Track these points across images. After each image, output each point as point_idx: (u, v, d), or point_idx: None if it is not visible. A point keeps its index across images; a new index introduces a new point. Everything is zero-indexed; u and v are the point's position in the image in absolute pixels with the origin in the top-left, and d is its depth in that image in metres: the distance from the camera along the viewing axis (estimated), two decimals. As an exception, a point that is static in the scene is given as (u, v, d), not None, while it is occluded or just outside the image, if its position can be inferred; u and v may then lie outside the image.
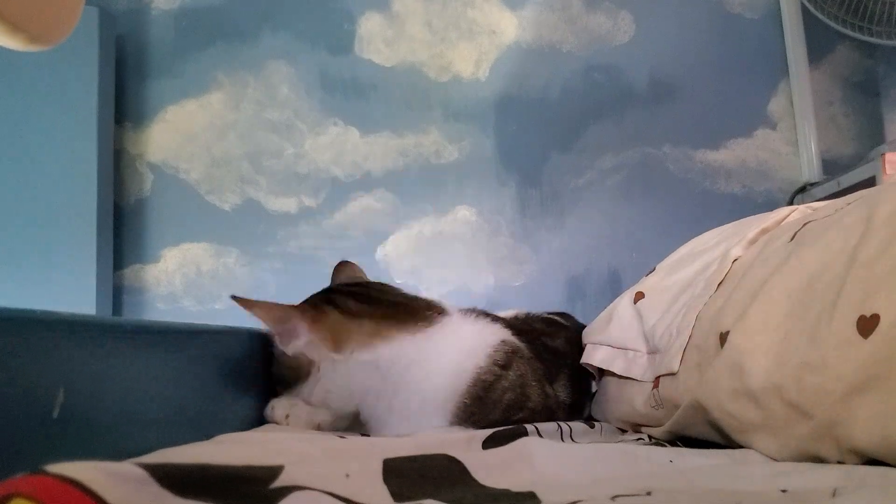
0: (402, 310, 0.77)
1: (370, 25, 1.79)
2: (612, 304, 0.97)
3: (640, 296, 0.92)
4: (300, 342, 0.73)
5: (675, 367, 0.75)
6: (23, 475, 0.28)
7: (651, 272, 0.97)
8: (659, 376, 0.78)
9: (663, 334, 0.82)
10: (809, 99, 1.71)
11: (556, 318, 1.06)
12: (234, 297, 0.67)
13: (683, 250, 0.97)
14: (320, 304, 0.76)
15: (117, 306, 1.70)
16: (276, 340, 0.73)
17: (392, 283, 0.86)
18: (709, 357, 0.70)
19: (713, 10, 1.78)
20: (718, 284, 0.79)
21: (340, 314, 0.75)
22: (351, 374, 0.73)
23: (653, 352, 0.84)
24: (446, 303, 0.83)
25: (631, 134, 1.76)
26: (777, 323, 0.60)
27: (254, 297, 1.80)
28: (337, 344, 0.73)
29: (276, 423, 0.74)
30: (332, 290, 0.81)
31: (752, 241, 0.81)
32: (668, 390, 0.75)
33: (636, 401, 0.82)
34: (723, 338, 0.67)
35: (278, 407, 0.75)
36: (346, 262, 0.95)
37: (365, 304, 0.77)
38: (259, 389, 0.76)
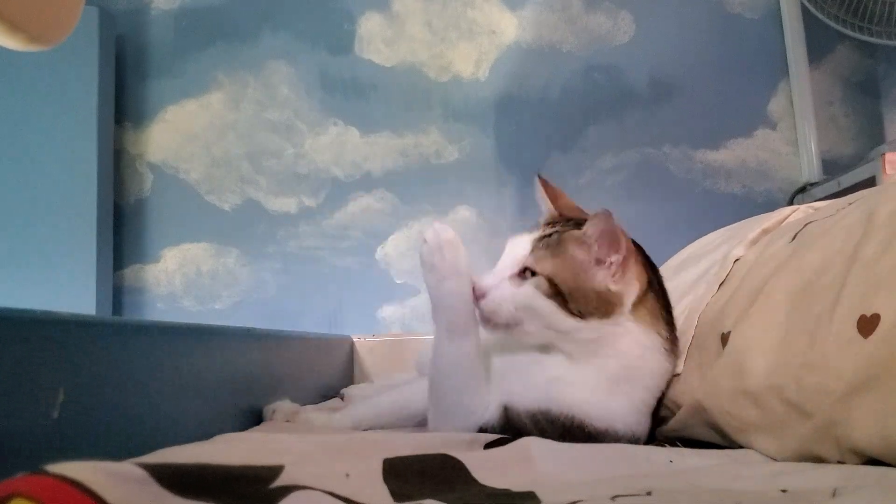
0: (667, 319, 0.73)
1: (370, 25, 1.79)
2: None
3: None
4: (612, 277, 0.67)
5: (680, 368, 0.75)
6: (23, 475, 0.28)
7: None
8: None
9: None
10: (809, 99, 1.71)
11: None
12: (604, 214, 0.65)
13: (686, 252, 0.97)
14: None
15: (117, 306, 1.70)
16: (612, 272, 0.67)
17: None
18: (710, 358, 0.70)
19: (713, 10, 1.78)
20: (720, 285, 0.79)
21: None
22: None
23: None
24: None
25: (631, 134, 1.76)
26: (778, 323, 0.60)
27: (253, 297, 1.79)
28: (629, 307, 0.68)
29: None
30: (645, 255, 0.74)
31: (754, 242, 0.81)
32: (672, 392, 0.75)
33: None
34: (724, 338, 0.67)
35: (279, 412, 0.75)
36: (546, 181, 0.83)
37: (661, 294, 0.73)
38: (259, 389, 0.76)
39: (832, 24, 1.58)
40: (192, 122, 1.77)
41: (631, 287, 0.68)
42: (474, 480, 0.49)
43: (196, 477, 0.35)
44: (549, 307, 0.67)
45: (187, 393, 0.60)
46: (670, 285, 0.90)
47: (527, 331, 0.69)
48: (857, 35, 1.57)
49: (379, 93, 1.78)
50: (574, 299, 0.67)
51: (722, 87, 1.77)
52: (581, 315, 0.66)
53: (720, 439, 0.66)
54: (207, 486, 0.35)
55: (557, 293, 0.67)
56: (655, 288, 0.72)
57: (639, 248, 0.73)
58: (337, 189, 1.76)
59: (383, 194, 1.76)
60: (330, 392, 1.16)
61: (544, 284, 0.67)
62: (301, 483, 0.39)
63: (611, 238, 0.67)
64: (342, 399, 1.12)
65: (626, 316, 0.68)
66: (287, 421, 0.76)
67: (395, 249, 1.74)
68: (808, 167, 1.71)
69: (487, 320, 0.69)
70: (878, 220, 0.55)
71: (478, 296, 0.70)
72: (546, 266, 0.68)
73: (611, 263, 0.67)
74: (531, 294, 0.67)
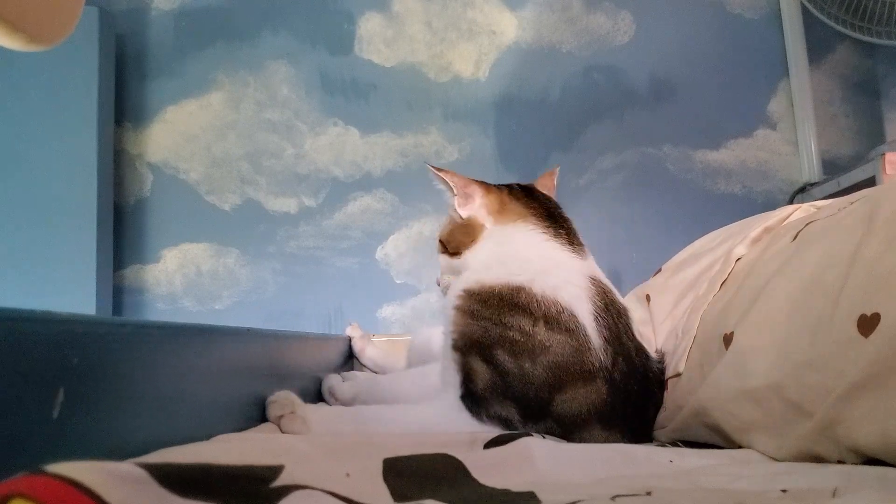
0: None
1: (370, 25, 1.79)
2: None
3: (648, 299, 0.93)
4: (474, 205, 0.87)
5: (682, 367, 0.75)
6: (23, 475, 0.28)
7: (657, 273, 0.98)
8: (666, 378, 0.78)
9: (668, 335, 0.82)
10: (809, 99, 1.71)
11: None
12: (428, 164, 0.86)
13: (687, 252, 0.97)
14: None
15: (117, 306, 1.70)
16: (456, 203, 0.86)
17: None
18: (711, 357, 0.70)
19: (713, 10, 1.78)
20: (721, 284, 0.79)
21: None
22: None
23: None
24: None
25: (631, 134, 1.76)
26: (779, 323, 0.60)
27: (253, 297, 1.80)
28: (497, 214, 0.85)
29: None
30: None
31: (756, 240, 0.81)
32: (673, 392, 0.75)
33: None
34: (727, 339, 0.67)
35: (278, 403, 0.75)
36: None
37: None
38: (259, 389, 0.76)
39: (832, 24, 1.58)
40: (192, 123, 1.77)
41: (479, 206, 0.86)
42: (474, 480, 0.49)
43: (196, 477, 0.35)
44: (443, 259, 0.90)
45: (187, 393, 0.60)
46: (672, 282, 0.90)
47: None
48: (857, 35, 1.57)
49: (379, 93, 1.78)
50: (447, 242, 0.89)
51: (722, 87, 1.77)
52: (457, 252, 0.87)
53: (721, 441, 0.66)
54: (208, 485, 0.35)
55: (444, 247, 0.90)
56: (536, 208, 0.87)
57: (510, 187, 0.91)
58: (337, 189, 1.76)
59: (383, 194, 1.76)
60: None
61: (438, 245, 0.91)
62: (301, 483, 0.39)
63: (442, 182, 0.87)
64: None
65: (489, 229, 0.85)
66: (281, 416, 0.75)
67: (395, 249, 1.74)
68: (808, 167, 1.71)
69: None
70: (879, 219, 0.55)
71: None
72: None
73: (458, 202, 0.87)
74: (439, 257, 0.91)
